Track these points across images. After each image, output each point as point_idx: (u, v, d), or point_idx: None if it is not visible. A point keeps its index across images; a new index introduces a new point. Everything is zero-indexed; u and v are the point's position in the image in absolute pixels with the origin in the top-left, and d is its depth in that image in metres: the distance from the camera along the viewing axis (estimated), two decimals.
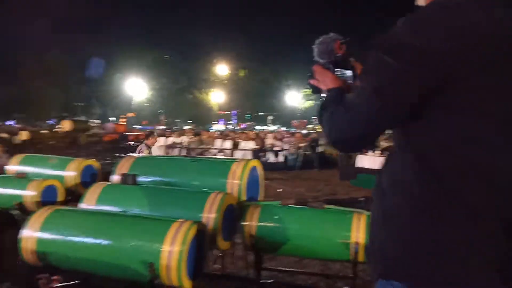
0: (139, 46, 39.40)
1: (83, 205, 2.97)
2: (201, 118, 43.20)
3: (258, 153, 17.11)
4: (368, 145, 1.14)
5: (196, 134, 15.62)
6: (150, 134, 7.46)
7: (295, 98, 52.61)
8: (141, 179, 3.22)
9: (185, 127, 32.63)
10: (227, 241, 2.91)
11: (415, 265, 0.95)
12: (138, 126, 37.49)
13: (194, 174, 3.27)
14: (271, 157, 16.77)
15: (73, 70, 36.30)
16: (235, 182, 3.09)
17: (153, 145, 7.37)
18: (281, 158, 16.21)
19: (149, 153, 6.65)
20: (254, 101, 44.20)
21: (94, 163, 4.27)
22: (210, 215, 2.72)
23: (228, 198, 2.89)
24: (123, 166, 3.41)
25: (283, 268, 3.17)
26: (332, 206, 2.98)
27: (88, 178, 4.01)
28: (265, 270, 3.03)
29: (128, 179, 3.03)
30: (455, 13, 0.92)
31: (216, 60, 42.66)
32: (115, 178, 3.29)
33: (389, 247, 0.99)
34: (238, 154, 17.43)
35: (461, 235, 0.92)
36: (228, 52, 42.48)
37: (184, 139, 16.49)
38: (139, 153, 6.35)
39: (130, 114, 39.11)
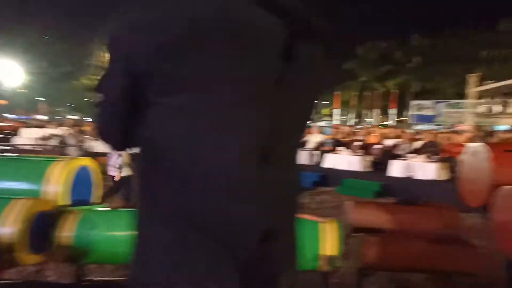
0: (13, 24, 34.42)
1: None
2: (90, 107, 39.78)
3: None
4: (116, 144, 1.04)
5: (75, 124, 14.11)
6: None
7: None
8: None
9: (70, 117, 29.63)
10: (38, 254, 2.51)
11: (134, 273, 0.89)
12: (12, 116, 32.94)
13: (2, 176, 2.76)
14: None
15: None
16: (53, 185, 2.69)
17: None
18: None
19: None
20: None
21: None
22: (7, 227, 2.29)
23: (37, 205, 2.47)
24: None
25: (107, 278, 2.87)
26: None
27: None
28: (89, 282, 2.70)
29: None
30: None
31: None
32: None
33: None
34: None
35: (156, 238, 0.85)
36: None
37: (64, 131, 14.83)
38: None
39: (1, 102, 34.13)
